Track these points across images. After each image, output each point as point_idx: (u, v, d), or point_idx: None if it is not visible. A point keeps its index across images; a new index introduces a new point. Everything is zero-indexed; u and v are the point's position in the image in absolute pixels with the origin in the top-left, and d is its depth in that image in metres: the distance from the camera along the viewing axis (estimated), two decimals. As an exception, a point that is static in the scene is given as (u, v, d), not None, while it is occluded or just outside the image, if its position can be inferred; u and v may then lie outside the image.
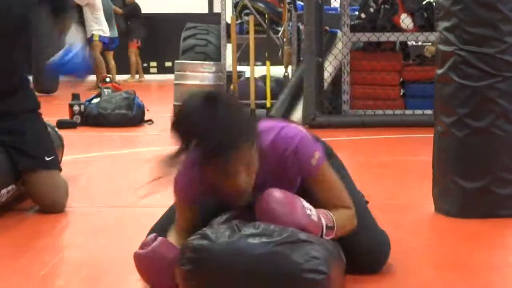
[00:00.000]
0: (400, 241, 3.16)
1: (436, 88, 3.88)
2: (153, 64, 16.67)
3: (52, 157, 3.94)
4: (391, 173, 5.24)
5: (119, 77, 14.16)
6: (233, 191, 2.47)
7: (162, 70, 16.59)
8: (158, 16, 16.23)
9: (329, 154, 2.81)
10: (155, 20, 16.00)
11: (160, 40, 16.09)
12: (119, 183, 4.87)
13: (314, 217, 2.51)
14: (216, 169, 2.40)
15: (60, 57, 3.74)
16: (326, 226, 2.54)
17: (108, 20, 13.32)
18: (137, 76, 15.65)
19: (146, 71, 16.29)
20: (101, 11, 12.95)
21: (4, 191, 3.75)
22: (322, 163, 2.62)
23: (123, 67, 14.88)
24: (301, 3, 8.77)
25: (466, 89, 3.72)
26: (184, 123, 2.37)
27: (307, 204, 2.52)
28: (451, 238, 3.48)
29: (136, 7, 15.24)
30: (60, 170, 4.06)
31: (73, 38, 3.82)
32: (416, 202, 4.15)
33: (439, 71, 3.83)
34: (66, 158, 4.95)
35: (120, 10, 14.86)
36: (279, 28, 9.46)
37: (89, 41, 12.99)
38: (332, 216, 2.59)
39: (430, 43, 9.42)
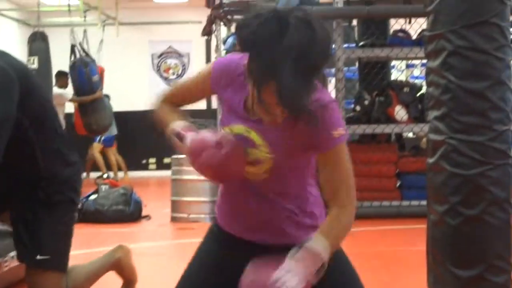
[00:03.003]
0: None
1: (428, 177, 3.88)
2: (152, 160, 16.69)
3: (46, 257, 3.62)
4: (387, 263, 5.22)
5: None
6: (264, 114, 2.31)
7: (161, 166, 16.59)
8: (157, 113, 16.35)
9: None
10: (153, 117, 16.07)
11: (158, 137, 16.12)
12: (114, 278, 4.84)
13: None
14: (273, 88, 2.20)
15: None
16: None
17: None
18: (120, 174, 15.00)
19: (145, 167, 16.29)
20: None
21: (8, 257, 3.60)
22: (342, 142, 2.43)
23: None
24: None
25: (458, 178, 3.73)
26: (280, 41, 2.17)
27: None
28: (448, 328, 3.44)
29: None
30: (61, 270, 3.71)
31: None
32: (412, 292, 4.13)
33: (431, 160, 3.85)
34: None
35: None
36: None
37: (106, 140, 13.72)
38: (321, 245, 2.37)
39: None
